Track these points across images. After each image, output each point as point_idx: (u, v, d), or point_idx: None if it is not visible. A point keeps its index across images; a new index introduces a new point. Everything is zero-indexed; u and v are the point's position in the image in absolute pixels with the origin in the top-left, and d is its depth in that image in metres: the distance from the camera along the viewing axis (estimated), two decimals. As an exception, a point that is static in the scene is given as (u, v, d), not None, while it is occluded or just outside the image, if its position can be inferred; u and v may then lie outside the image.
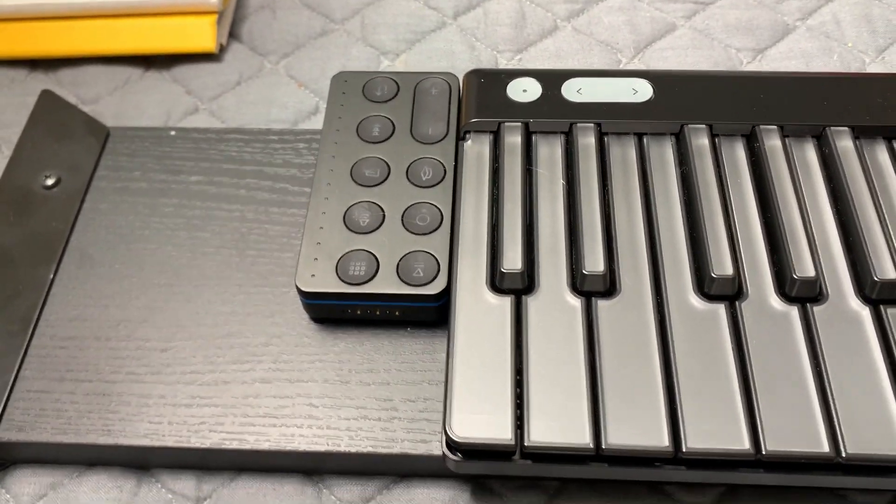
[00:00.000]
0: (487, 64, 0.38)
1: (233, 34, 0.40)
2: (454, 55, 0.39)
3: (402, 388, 0.27)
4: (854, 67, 0.38)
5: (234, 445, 0.26)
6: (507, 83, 0.31)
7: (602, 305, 0.26)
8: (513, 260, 0.26)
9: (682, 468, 0.23)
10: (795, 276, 0.25)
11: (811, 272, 0.25)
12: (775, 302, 0.26)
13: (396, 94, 0.32)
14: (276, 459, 0.27)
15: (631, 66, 0.38)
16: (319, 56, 0.39)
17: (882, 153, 0.29)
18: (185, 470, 0.28)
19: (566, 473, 0.24)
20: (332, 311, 0.28)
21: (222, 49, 0.40)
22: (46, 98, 0.35)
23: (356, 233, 0.28)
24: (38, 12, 0.39)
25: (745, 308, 0.25)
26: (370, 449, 0.26)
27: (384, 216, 0.28)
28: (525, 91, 0.31)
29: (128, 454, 0.27)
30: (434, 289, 0.27)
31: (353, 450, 0.26)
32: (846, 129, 0.29)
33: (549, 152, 0.30)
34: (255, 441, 0.26)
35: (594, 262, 0.26)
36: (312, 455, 0.26)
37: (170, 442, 0.26)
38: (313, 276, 0.27)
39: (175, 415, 0.27)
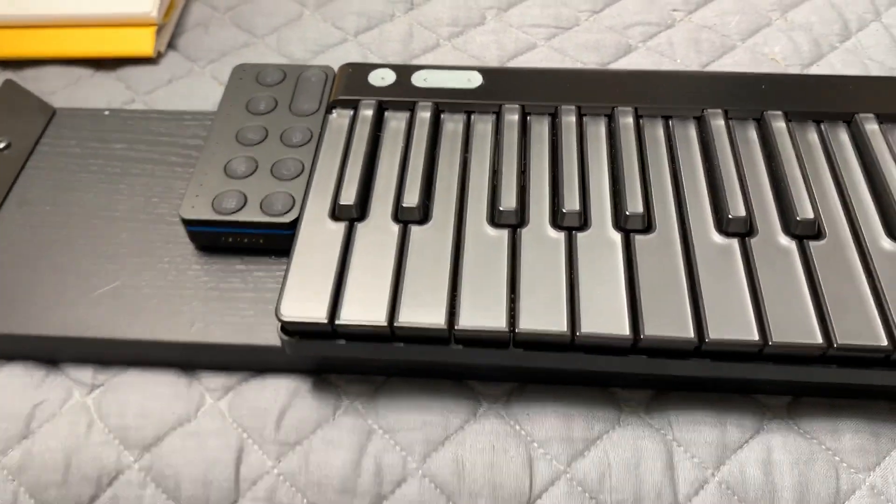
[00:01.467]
0: (377, 70, 0.46)
1: (171, 44, 0.49)
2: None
3: (262, 298, 0.34)
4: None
5: (121, 335, 0.33)
6: (370, 72, 0.39)
7: (415, 230, 0.33)
8: (348, 195, 0.33)
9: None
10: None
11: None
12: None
13: (283, 80, 0.40)
14: (156, 351, 0.33)
15: (495, 75, 0.46)
16: (241, 62, 0.47)
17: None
18: (86, 363, 0.34)
19: (373, 354, 0.31)
20: (210, 239, 0.35)
21: (160, 55, 0.48)
22: (7, 85, 0.43)
23: (233, 178, 0.35)
24: (8, 22, 0.47)
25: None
26: (229, 340, 0.33)
27: (257, 167, 0.36)
28: (383, 79, 0.39)
29: (38, 345, 0.33)
30: (287, 218, 0.34)
31: (217, 341, 0.33)
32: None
33: (396, 124, 0.37)
34: (139, 333, 0.33)
35: (412, 197, 0.33)
36: (185, 346, 0.33)
37: (72, 333, 0.33)
38: (193, 207, 0.34)
39: (77, 313, 0.33)
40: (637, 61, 0.47)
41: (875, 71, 0.45)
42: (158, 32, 0.48)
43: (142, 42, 0.47)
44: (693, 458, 0.31)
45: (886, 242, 0.32)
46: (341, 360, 0.33)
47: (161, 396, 0.33)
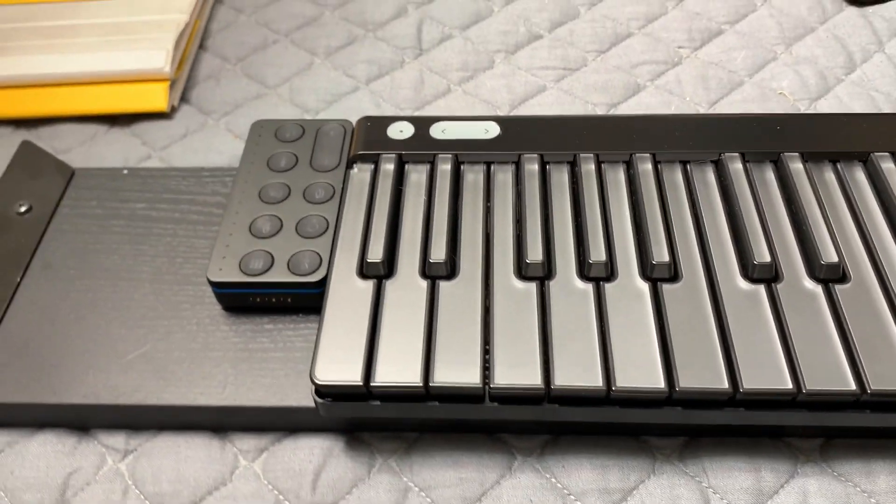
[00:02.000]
0: (390, 118, 0.47)
1: (184, 98, 0.49)
2: (363, 112, 0.47)
3: (292, 357, 0.34)
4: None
5: (154, 401, 0.33)
6: (388, 125, 0.39)
7: (444, 285, 0.33)
8: (375, 252, 0.34)
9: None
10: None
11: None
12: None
13: (302, 136, 0.40)
14: (189, 415, 0.33)
15: (507, 119, 0.46)
16: (254, 113, 0.47)
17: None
18: (118, 429, 0.34)
19: (409, 413, 0.31)
20: (237, 300, 0.35)
21: (174, 109, 0.48)
22: (25, 147, 0.43)
23: (258, 237, 0.36)
24: (22, 81, 0.47)
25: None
26: (262, 403, 0.33)
27: (282, 225, 0.36)
28: (401, 132, 0.39)
29: (69, 413, 0.33)
30: (315, 277, 0.34)
31: (250, 403, 0.33)
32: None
33: (417, 177, 0.38)
34: (172, 398, 0.33)
35: (438, 252, 0.34)
36: (218, 409, 0.33)
37: (104, 400, 0.33)
38: (220, 269, 0.35)
39: (108, 380, 0.34)
40: (646, 100, 0.47)
41: (881, 102, 0.46)
42: (171, 87, 0.48)
43: (155, 97, 0.47)
44: (730, 506, 0.31)
45: (911, 283, 0.32)
46: (375, 420, 0.33)
47: (195, 460, 0.33)
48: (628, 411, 0.30)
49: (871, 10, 0.52)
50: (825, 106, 0.46)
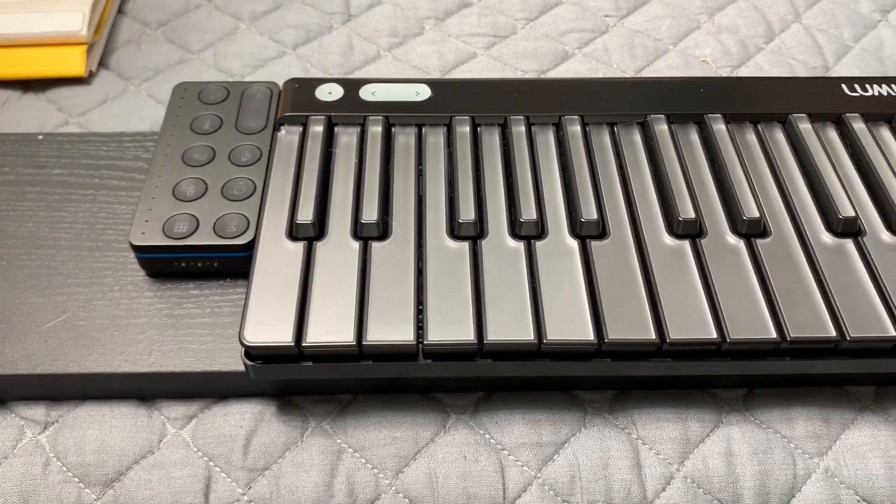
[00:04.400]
0: (319, 84, 0.46)
1: (102, 63, 0.47)
2: (290, 77, 0.46)
3: (220, 322, 0.33)
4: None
5: (75, 370, 0.32)
6: (316, 87, 0.39)
7: (376, 246, 0.33)
8: (305, 213, 0.33)
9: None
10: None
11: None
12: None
13: (226, 98, 0.39)
14: (113, 383, 0.32)
15: (437, 85, 0.46)
16: (176, 79, 0.46)
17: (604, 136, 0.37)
18: (37, 400, 0.33)
19: (342, 373, 0.31)
20: (162, 265, 0.34)
21: (92, 75, 0.46)
22: (-71, 111, 0.41)
23: (182, 201, 0.35)
24: (-75, 43, 0.45)
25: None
26: (189, 368, 0.32)
27: (207, 188, 0.35)
28: (330, 94, 0.38)
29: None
30: (243, 240, 0.33)
31: (176, 369, 0.32)
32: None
33: (347, 139, 0.37)
34: (94, 366, 0.32)
35: (370, 213, 0.33)
36: (143, 376, 0.32)
37: (22, 370, 0.32)
38: (143, 233, 0.33)
39: (26, 349, 0.32)
40: (574, 68, 0.48)
41: (799, 70, 0.48)
42: (89, 51, 0.46)
43: (72, 61, 0.45)
44: (658, 455, 0.32)
45: (826, 237, 0.33)
46: (307, 382, 0.33)
47: (121, 429, 0.32)
48: (559, 364, 0.31)
49: (788, -18, 0.54)
50: (746, 73, 0.47)
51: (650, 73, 0.47)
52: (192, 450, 0.32)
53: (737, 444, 0.32)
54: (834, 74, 0.48)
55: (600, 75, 0.47)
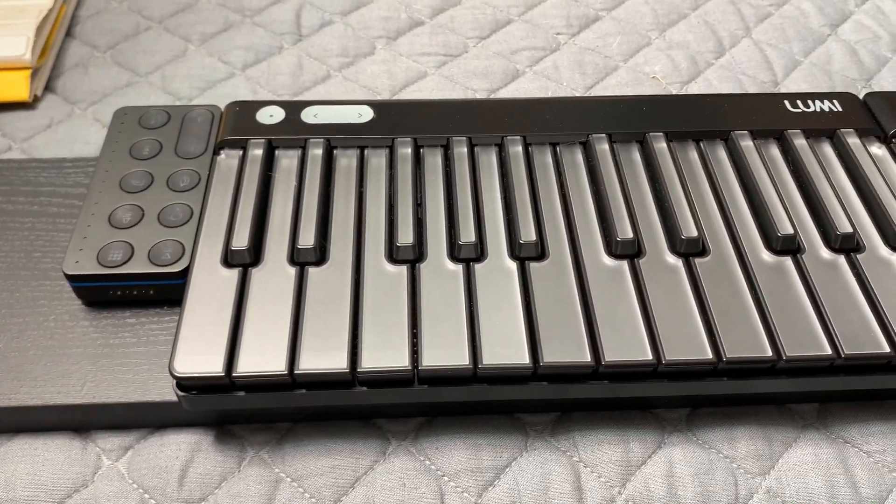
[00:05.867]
0: (267, 105, 0.46)
1: (48, 87, 0.47)
2: (238, 98, 0.46)
3: (156, 351, 0.33)
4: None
5: (6, 403, 0.31)
6: (258, 110, 0.38)
7: (313, 272, 0.32)
8: (241, 239, 0.33)
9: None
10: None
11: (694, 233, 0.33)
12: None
13: (167, 122, 0.39)
14: (46, 415, 0.32)
15: (387, 105, 0.46)
16: (123, 102, 0.46)
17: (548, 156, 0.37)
18: (-32, 434, 0.32)
19: (277, 402, 0.30)
20: (97, 293, 0.34)
21: (37, 99, 0.46)
22: None
23: (118, 228, 0.34)
24: None
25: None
26: (123, 399, 0.31)
27: (143, 215, 0.35)
28: (272, 116, 0.38)
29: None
30: (178, 267, 0.33)
31: (110, 400, 0.31)
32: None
33: (288, 162, 0.37)
34: (27, 398, 0.31)
35: (307, 238, 0.33)
36: (77, 408, 0.31)
37: (-51, 404, 0.31)
38: (77, 262, 0.33)
39: (-45, 383, 0.32)
40: (525, 86, 0.48)
41: (748, 85, 0.48)
42: (34, 75, 0.46)
43: (16, 86, 0.45)
44: (600, 478, 0.32)
45: (766, 255, 0.33)
46: (243, 411, 0.32)
47: (53, 462, 0.32)
48: (496, 388, 0.30)
49: (739, -3, 0.54)
50: (695, 89, 0.48)
51: (600, 90, 0.47)
52: (127, 482, 0.31)
53: (678, 466, 0.32)
54: (783, 89, 0.48)
55: (550, 93, 0.47)
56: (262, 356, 0.30)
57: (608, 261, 0.33)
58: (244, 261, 0.32)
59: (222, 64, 0.48)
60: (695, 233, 0.33)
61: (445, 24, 0.51)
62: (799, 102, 0.40)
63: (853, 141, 0.38)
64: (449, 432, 0.33)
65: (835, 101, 0.40)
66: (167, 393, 0.31)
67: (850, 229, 0.34)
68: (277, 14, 0.51)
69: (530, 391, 0.30)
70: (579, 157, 0.37)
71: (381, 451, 0.32)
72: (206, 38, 0.50)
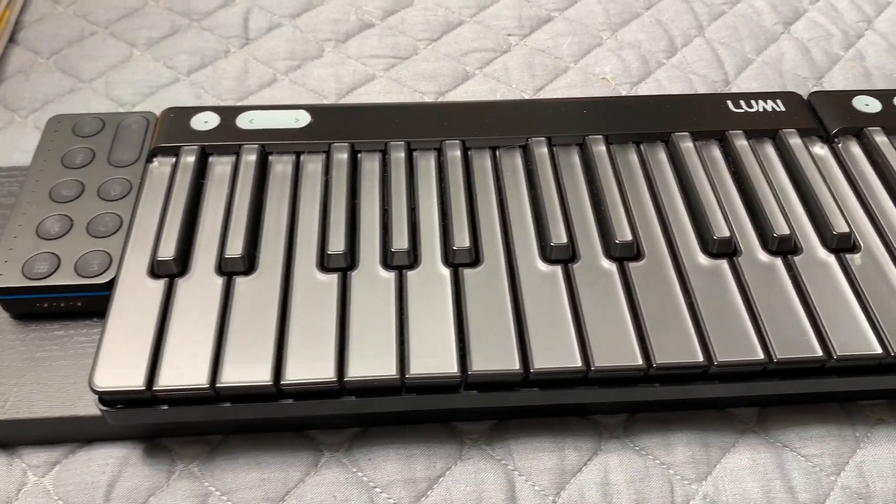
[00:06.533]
0: (211, 111, 0.45)
1: (-11, 94, 0.46)
2: (181, 103, 0.45)
3: (83, 364, 0.32)
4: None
5: (-73, 419, 0.30)
6: (192, 116, 0.38)
7: (241, 281, 0.32)
8: (167, 250, 0.32)
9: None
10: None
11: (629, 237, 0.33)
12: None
13: (101, 130, 0.38)
14: (-32, 432, 0.31)
15: (333, 109, 0.45)
16: (65, 109, 0.45)
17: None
18: None
19: (202, 416, 0.30)
20: (24, 306, 0.33)
21: (-24, 107, 0.45)
22: None
23: (45, 239, 0.33)
24: None
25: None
26: (48, 414, 0.31)
27: (72, 225, 0.34)
28: (206, 123, 0.37)
29: None
30: (104, 279, 0.32)
31: (34, 416, 0.31)
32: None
33: (221, 169, 0.36)
34: (-54, 415, 0.31)
35: (235, 247, 0.32)
36: (0, 424, 0.31)
37: None
38: (1, 274, 0.32)
39: None
40: (474, 88, 0.47)
41: (698, 84, 0.48)
42: (-28, 82, 0.45)
43: (-47, 94, 0.44)
44: (534, 487, 0.31)
45: (702, 258, 0.33)
46: (171, 424, 0.32)
47: (-23, 480, 0.31)
48: (426, 398, 0.30)
49: (693, -5, 0.54)
50: (645, 89, 0.47)
51: (548, 92, 0.47)
52: (53, 498, 0.31)
53: (614, 473, 0.32)
54: (734, 88, 0.48)
55: (498, 96, 0.47)
56: (185, 369, 0.29)
57: (542, 266, 0.32)
58: (171, 271, 0.32)
59: (167, 69, 0.47)
60: (629, 237, 0.33)
61: (396, 26, 0.51)
62: (742, 103, 0.39)
63: (794, 141, 0.37)
64: (382, 442, 0.32)
65: (778, 101, 0.39)
66: (93, 407, 0.31)
67: (787, 231, 0.33)
68: (225, 18, 0.51)
69: (460, 400, 0.30)
70: (519, 161, 0.37)
71: (313, 462, 0.32)
72: (152, 43, 0.49)
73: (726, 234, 0.33)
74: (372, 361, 0.29)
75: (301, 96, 0.46)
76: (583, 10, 0.52)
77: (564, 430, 0.33)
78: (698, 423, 0.33)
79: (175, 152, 0.36)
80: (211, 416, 0.30)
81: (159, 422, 0.30)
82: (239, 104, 0.45)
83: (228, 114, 0.38)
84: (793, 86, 0.48)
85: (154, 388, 0.29)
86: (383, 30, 0.51)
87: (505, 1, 0.53)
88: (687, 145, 0.37)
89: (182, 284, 0.32)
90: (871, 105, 0.39)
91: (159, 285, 0.31)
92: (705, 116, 0.38)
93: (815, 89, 0.48)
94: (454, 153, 0.37)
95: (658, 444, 0.32)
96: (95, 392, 0.29)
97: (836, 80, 0.48)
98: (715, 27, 0.52)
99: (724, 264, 0.33)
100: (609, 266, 0.33)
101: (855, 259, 0.33)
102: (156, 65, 0.48)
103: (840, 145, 0.38)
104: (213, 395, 0.29)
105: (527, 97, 0.47)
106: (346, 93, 0.47)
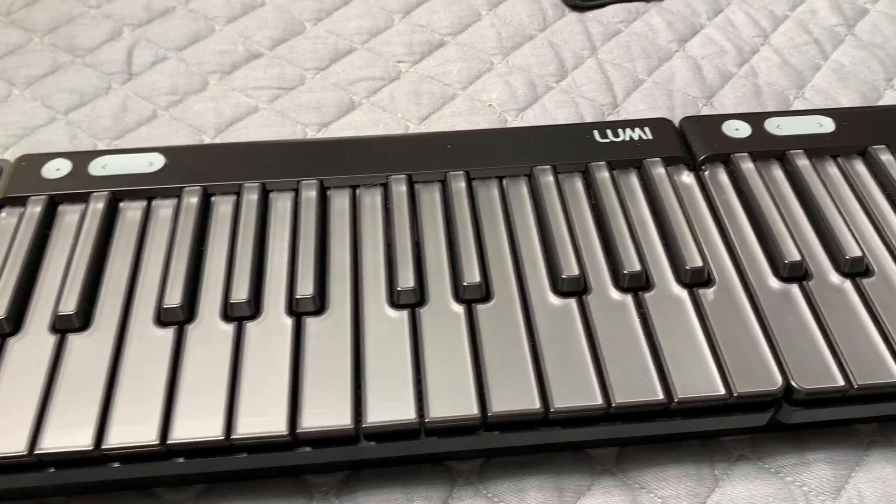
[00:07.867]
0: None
1: None
2: (55, 145, 0.44)
3: None
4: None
5: None
6: (44, 164, 0.37)
7: (74, 339, 0.31)
8: (4, 308, 0.31)
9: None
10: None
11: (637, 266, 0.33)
12: None
13: (-50, 181, 0.37)
14: None
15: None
16: (-66, 154, 0.44)
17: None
18: None
19: (21, 483, 0.29)
20: None
21: None
22: None
23: None
24: None
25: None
26: None
27: None
28: (58, 170, 0.37)
29: None
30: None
31: None
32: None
33: (70, 218, 0.35)
34: None
35: (69, 303, 0.31)
36: None
37: None
38: None
39: None
40: (358, 119, 0.46)
41: (585, 109, 0.47)
42: None
43: None
44: (380, 540, 0.31)
45: (552, 297, 0.32)
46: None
47: None
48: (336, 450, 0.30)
49: (590, 14, 0.53)
50: (531, 115, 0.47)
51: (434, 120, 0.46)
52: None
53: (462, 523, 0.31)
54: (621, 111, 0.47)
55: (381, 126, 0.46)
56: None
57: (391, 312, 0.32)
58: (2, 331, 0.31)
59: (45, 108, 0.47)
60: (477, 279, 0.32)
61: (284, 56, 0.50)
62: (609, 132, 0.39)
63: (658, 171, 0.37)
64: (230, 499, 0.31)
65: (646, 129, 0.39)
66: None
67: (637, 267, 0.33)
68: (109, 53, 0.50)
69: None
70: (378, 199, 0.36)
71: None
72: (32, 82, 0.48)
73: (575, 272, 0.33)
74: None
75: (178, 133, 0.45)
76: (475, 35, 0.52)
77: (416, 479, 0.32)
78: (553, 467, 0.32)
79: (23, 202, 0.35)
80: (39, 483, 0.29)
81: (47, 485, 0.29)
82: (116, 144, 0.45)
83: (81, 160, 0.37)
84: (681, 106, 0.47)
85: (37, 452, 0.28)
86: (271, 59, 0.50)
87: (398, 26, 0.52)
88: (547, 179, 0.36)
89: (14, 344, 0.31)
90: (741, 129, 0.39)
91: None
92: (568, 148, 0.38)
93: (704, 109, 0.47)
94: (310, 193, 0.36)
95: (510, 491, 0.32)
96: None
97: (727, 99, 0.48)
98: (608, 47, 0.51)
99: (572, 303, 0.32)
100: (458, 309, 0.32)
101: (708, 294, 0.33)
102: (34, 104, 0.47)
103: (707, 173, 0.38)
104: (35, 461, 0.28)
105: (413, 127, 0.46)
106: (225, 127, 0.46)
